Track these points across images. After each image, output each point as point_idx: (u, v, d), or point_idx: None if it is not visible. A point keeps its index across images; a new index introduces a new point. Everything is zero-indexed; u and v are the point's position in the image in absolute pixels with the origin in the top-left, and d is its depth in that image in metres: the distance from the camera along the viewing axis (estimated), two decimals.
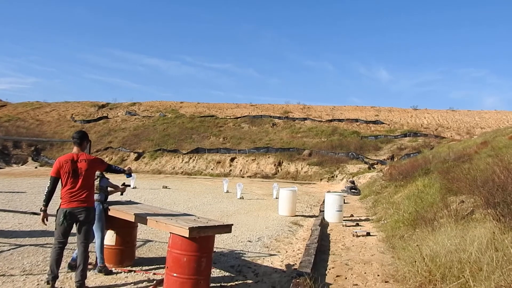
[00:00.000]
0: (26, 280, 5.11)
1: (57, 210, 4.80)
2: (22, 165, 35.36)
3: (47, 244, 6.94)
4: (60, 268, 4.87)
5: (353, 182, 22.86)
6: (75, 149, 4.95)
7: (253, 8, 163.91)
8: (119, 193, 6.20)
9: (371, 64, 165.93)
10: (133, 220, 5.51)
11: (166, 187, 20.67)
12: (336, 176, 30.46)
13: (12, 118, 45.51)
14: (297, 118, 44.82)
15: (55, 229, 4.80)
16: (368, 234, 9.24)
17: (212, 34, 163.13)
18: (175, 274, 4.70)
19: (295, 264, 6.43)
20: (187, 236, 4.57)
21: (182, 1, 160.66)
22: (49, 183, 4.75)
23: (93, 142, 40.28)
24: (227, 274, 5.83)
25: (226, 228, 5.05)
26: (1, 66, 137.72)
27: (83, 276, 4.75)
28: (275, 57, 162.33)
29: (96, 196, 5.66)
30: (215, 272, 5.85)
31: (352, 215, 12.57)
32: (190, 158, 36.72)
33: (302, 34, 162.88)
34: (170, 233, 4.84)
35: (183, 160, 36.51)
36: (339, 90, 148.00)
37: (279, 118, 45.14)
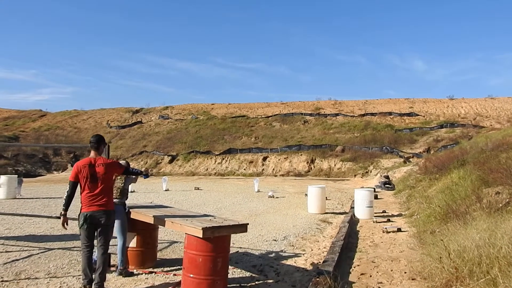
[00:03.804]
0: (50, 282, 5.21)
1: (79, 215, 4.87)
2: (62, 171, 36.66)
3: (74, 247, 7.09)
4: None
5: (387, 177, 22.27)
6: (92, 153, 4.99)
7: (280, 6, 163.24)
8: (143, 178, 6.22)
9: (405, 54, 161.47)
10: (152, 222, 5.53)
11: (198, 189, 20.84)
12: (370, 172, 29.78)
13: (52, 127, 47.36)
14: (328, 114, 44.20)
15: (80, 233, 4.87)
16: (399, 230, 8.92)
17: (242, 34, 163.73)
18: (191, 275, 4.67)
19: (319, 262, 6.26)
20: (201, 236, 4.52)
21: (209, 3, 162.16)
22: (68, 188, 4.80)
23: (128, 147, 41.43)
24: (248, 274, 5.74)
25: (242, 228, 4.96)
26: (43, 77, 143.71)
27: (102, 278, 4.78)
28: (306, 53, 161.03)
29: (119, 199, 5.73)
30: (236, 272, 5.78)
31: (384, 211, 12.20)
32: (223, 159, 36.93)
33: (333, 28, 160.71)
34: (186, 233, 4.82)
35: (215, 161, 36.76)
36: (372, 84, 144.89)
37: (310, 115, 44.66)
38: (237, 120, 45.56)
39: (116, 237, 5.65)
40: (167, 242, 7.67)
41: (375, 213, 11.49)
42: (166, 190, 19.58)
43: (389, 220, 10.45)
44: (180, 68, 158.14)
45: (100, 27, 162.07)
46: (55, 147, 39.07)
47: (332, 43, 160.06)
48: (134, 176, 5.91)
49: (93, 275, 4.78)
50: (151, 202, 7.45)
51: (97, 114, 53.94)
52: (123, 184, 5.79)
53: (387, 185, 19.93)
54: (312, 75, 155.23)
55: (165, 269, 5.87)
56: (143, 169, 5.76)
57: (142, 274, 5.62)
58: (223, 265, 4.73)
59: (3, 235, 8.15)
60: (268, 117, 45.77)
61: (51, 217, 8.08)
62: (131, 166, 6.12)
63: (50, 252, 6.81)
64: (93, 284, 4.75)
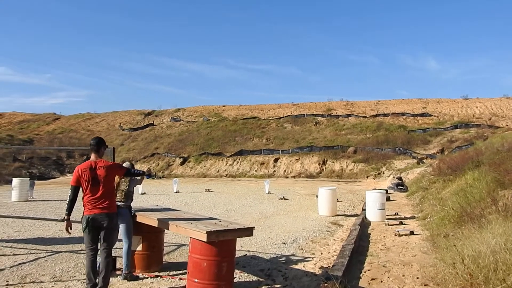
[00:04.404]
0: (54, 286, 5.16)
1: (81, 218, 4.81)
2: None
3: (81, 250, 7.01)
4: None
5: (400, 179, 21.91)
6: (92, 156, 4.91)
7: (290, 6, 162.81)
8: (146, 178, 6.14)
9: (418, 54, 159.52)
10: (156, 225, 5.44)
11: (208, 190, 20.77)
12: (383, 173, 29.43)
13: (65, 129, 47.90)
14: (340, 115, 43.89)
15: (84, 236, 4.82)
16: (411, 233, 8.70)
17: (252, 36, 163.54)
18: (196, 280, 4.56)
19: (329, 266, 6.10)
20: (205, 240, 4.42)
21: (217, 4, 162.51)
22: (70, 192, 4.75)
23: (140, 149, 41.64)
24: (255, 278, 5.62)
25: (247, 231, 4.84)
26: (58, 81, 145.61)
27: (105, 283, 4.71)
28: (316, 54, 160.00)
29: (124, 202, 5.65)
30: (243, 277, 5.66)
31: (396, 213, 11.96)
32: (234, 160, 36.87)
33: (344, 29, 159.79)
34: (190, 237, 4.71)
35: (227, 163, 36.72)
36: (385, 84, 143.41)
37: (322, 116, 44.40)
38: (248, 122, 45.49)
39: (121, 240, 5.58)
40: (175, 245, 7.58)
41: (387, 215, 11.26)
42: (176, 192, 19.55)
43: (401, 223, 10.23)
44: (192, 69, 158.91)
45: (113, 30, 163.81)
46: (68, 150, 39.46)
47: (344, 44, 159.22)
48: (139, 178, 5.83)
49: (97, 279, 4.71)
50: (157, 205, 7.36)
51: (110, 116, 54.40)
52: (127, 187, 5.71)
53: (400, 187, 19.61)
54: (323, 76, 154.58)
55: (171, 273, 5.77)
56: (145, 169, 5.67)
57: (147, 278, 5.53)
58: (228, 270, 4.62)
59: (12, 238, 8.16)
60: (279, 118, 45.64)
61: (57, 220, 8.06)
62: (135, 167, 6.05)
63: (57, 255, 6.76)
64: None
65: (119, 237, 5.49)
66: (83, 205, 4.79)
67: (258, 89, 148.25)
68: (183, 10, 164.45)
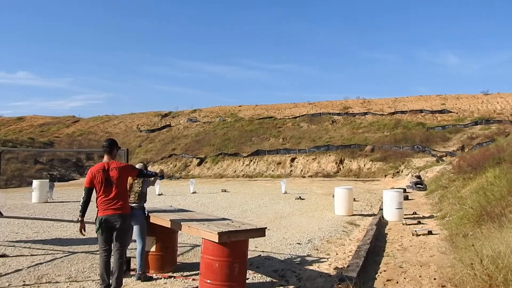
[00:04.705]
0: (70, 287, 5.21)
1: (95, 219, 4.84)
2: None
3: (97, 251, 7.03)
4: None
5: (418, 177, 21.58)
6: (105, 158, 4.95)
7: (308, 6, 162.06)
8: (158, 180, 6.14)
9: (438, 50, 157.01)
10: (169, 226, 5.44)
11: (225, 191, 20.79)
12: (402, 171, 28.97)
13: (84, 132, 48.64)
14: (357, 113, 43.38)
15: (97, 237, 4.84)
16: (429, 232, 8.53)
17: (269, 35, 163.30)
18: (208, 281, 4.55)
19: (343, 267, 6.01)
20: (217, 241, 4.39)
21: (238, 5, 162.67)
22: (83, 194, 4.80)
23: (157, 150, 42.00)
24: (268, 279, 5.57)
25: (259, 232, 4.80)
26: (77, 84, 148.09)
27: (118, 283, 4.73)
28: (333, 52, 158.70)
29: (137, 204, 5.68)
30: (257, 277, 5.62)
31: (414, 213, 11.75)
32: (251, 160, 36.84)
33: (362, 26, 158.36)
34: (202, 238, 4.70)
35: (243, 163, 36.71)
36: (402, 81, 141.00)
37: (338, 114, 43.98)
38: (265, 122, 45.39)
39: (135, 241, 5.61)
40: (189, 246, 7.59)
41: (405, 214, 11.07)
42: (193, 193, 19.64)
43: (419, 222, 10.04)
44: (208, 70, 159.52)
45: (132, 33, 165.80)
46: (87, 152, 40.07)
47: (360, 41, 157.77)
48: (152, 179, 5.85)
49: (110, 280, 4.74)
50: (170, 206, 7.38)
51: (128, 118, 55.00)
52: (140, 188, 5.74)
53: (419, 185, 19.29)
54: (340, 74, 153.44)
55: (185, 273, 5.78)
56: (157, 171, 5.68)
57: (161, 278, 5.55)
58: (240, 271, 4.59)
59: (31, 239, 8.31)
60: (296, 117, 45.39)
61: (73, 221, 8.16)
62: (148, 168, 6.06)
63: (73, 255, 6.85)
64: None
65: (133, 238, 5.53)
66: (97, 206, 4.83)
67: (275, 88, 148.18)
68: (203, 12, 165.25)
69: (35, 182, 16.26)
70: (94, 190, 4.85)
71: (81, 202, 4.81)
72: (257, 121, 45.95)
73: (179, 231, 6.00)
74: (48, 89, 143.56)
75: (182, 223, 5.15)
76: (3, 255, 6.73)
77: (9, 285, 5.23)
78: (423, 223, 9.96)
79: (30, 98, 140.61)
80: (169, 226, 5.45)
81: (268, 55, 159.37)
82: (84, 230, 4.90)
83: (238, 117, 48.78)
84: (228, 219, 5.45)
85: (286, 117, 46.11)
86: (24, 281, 5.38)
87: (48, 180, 18.49)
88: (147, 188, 5.96)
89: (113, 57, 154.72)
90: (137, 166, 5.55)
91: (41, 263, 6.31)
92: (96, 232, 4.81)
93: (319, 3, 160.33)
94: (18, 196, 18.49)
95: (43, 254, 6.93)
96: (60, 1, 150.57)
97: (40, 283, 5.32)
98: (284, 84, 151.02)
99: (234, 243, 4.52)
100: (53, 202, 15.95)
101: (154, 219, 5.72)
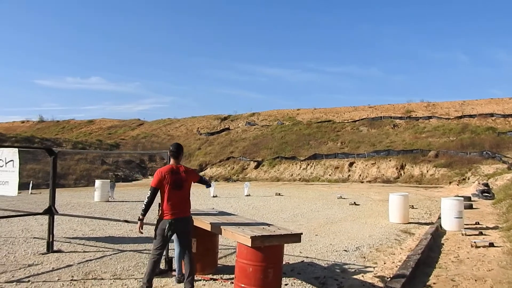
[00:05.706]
0: (113, 284, 5.38)
1: (157, 220, 4.91)
2: None
3: (145, 250, 7.32)
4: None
5: (486, 185, 20.13)
6: (172, 161, 5.01)
7: (368, 7, 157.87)
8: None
9: None
10: (209, 229, 5.46)
11: (279, 194, 20.72)
12: (468, 179, 27.22)
13: (148, 134, 50.86)
14: (420, 117, 41.47)
15: (155, 239, 4.87)
16: (491, 244, 7.90)
17: (332, 38, 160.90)
18: (242, 285, 4.51)
19: (389, 278, 5.71)
20: (250, 245, 4.33)
21: (299, 8, 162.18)
22: (149, 193, 4.78)
23: (216, 153, 42.84)
24: (308, 286, 5.42)
25: (294, 238, 4.67)
26: (145, 89, 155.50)
27: (192, 283, 4.85)
28: (398, 54, 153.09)
29: None
30: (296, 284, 5.49)
31: (477, 223, 10.96)
32: (308, 164, 36.45)
33: (428, 26, 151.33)
34: (237, 242, 4.66)
35: (300, 167, 36.42)
36: (472, 82, 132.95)
37: (400, 118, 42.33)
38: (323, 125, 44.78)
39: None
40: (233, 248, 7.57)
41: (466, 224, 10.36)
42: (247, 196, 19.76)
43: (481, 233, 9.32)
44: (268, 73, 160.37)
45: (193, 36, 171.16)
46: (149, 154, 41.74)
47: (427, 41, 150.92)
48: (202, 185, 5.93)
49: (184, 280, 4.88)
50: (212, 208, 7.43)
51: (189, 122, 56.73)
52: None
53: (485, 194, 18.00)
54: (404, 76, 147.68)
55: (224, 276, 5.77)
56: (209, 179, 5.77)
57: (200, 280, 5.58)
58: (274, 276, 4.49)
59: (86, 236, 8.75)
60: (355, 121, 44.35)
61: (119, 220, 8.48)
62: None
63: (122, 253, 7.10)
64: None
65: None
66: (163, 209, 4.86)
67: (335, 91, 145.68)
68: (263, 15, 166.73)
69: (98, 182, 17.21)
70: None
71: (145, 201, 4.77)
72: (315, 124, 45.46)
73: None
74: (118, 93, 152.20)
75: (222, 226, 5.14)
76: (59, 251, 7.13)
77: (58, 279, 5.51)
78: (485, 234, 9.25)
79: (101, 102, 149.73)
80: (209, 229, 5.46)
81: (328, 58, 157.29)
82: (142, 229, 4.91)
83: (296, 121, 48.57)
84: (266, 224, 5.36)
85: (345, 121, 45.20)
86: (72, 276, 5.64)
87: (109, 180, 19.49)
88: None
89: (178, 61, 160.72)
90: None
91: (90, 260, 6.60)
92: (162, 235, 4.79)
93: (380, 5, 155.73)
94: (83, 195, 19.65)
95: (94, 251, 7.26)
96: (130, 7, 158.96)
97: (87, 279, 5.55)
98: (344, 87, 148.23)
99: (268, 247, 4.43)
100: (114, 201, 16.76)
101: (195, 221, 5.76)
